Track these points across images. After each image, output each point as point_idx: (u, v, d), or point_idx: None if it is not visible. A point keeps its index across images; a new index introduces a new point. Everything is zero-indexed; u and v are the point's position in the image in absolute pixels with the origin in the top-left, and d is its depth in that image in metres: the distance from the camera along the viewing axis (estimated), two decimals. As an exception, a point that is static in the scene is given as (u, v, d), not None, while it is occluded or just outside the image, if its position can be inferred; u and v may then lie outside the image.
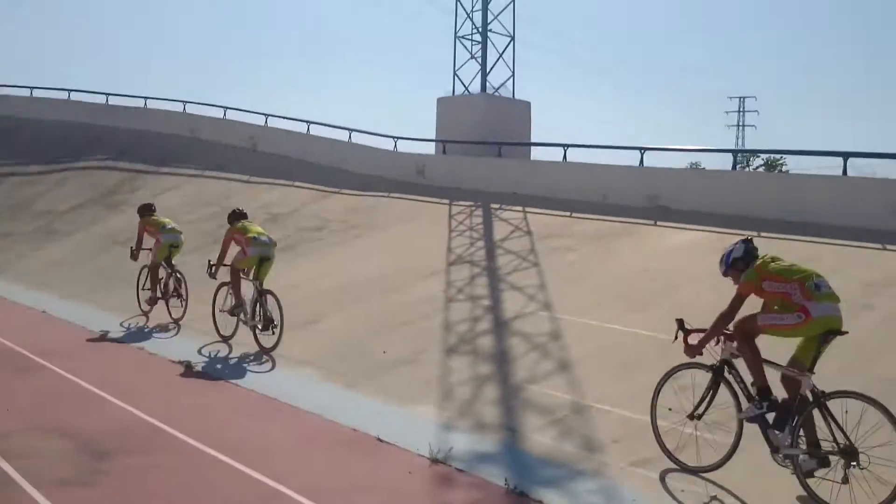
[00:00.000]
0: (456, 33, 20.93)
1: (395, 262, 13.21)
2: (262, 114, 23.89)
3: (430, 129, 20.79)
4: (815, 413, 5.21)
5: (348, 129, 21.50)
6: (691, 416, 5.86)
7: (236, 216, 10.62)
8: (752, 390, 5.61)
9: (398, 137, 20.18)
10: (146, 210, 12.39)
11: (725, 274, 5.87)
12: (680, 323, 5.90)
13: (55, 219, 20.39)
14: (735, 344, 5.70)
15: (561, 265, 12.13)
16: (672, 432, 5.96)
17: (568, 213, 14.76)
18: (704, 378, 5.90)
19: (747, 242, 5.85)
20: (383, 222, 16.02)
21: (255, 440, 6.60)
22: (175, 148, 24.22)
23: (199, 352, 9.83)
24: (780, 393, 5.53)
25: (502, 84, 20.89)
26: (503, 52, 21.00)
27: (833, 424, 5.08)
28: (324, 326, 10.57)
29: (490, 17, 20.88)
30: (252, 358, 9.62)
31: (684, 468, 5.82)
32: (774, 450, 5.42)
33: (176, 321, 11.48)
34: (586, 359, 8.47)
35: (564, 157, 16.88)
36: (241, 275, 10.19)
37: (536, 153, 19.85)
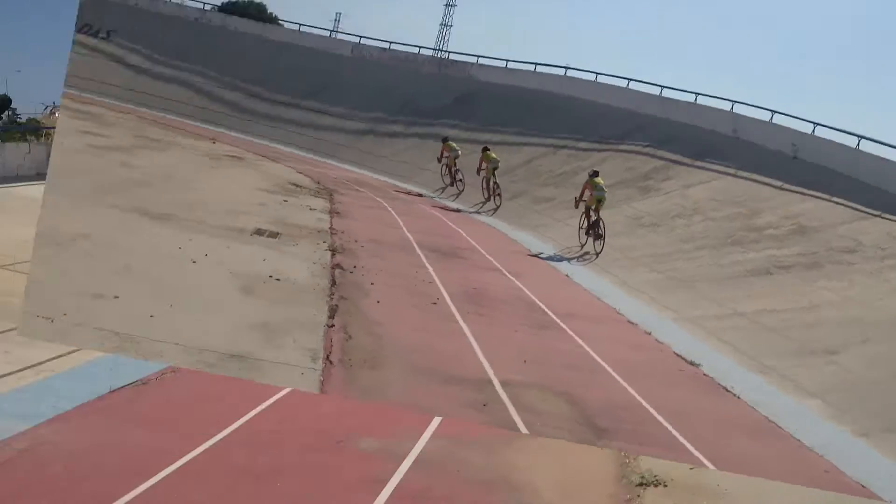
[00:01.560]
0: None
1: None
2: (810, 122, 22.37)
3: None
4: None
5: (912, 145, 18.84)
6: (586, 232, 15.22)
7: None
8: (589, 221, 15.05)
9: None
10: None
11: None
12: (575, 199, 15.62)
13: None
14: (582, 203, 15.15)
15: None
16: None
17: None
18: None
19: (594, 173, 15.82)
20: (935, 259, 13.80)
21: (751, 461, 6.39)
22: (714, 143, 24.18)
23: (703, 355, 9.71)
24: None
25: None
26: None
27: (602, 227, 15.02)
28: (840, 359, 9.58)
29: None
30: (758, 371, 9.22)
31: (583, 244, 15.23)
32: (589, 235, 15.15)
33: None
34: None
35: None
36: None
37: None
